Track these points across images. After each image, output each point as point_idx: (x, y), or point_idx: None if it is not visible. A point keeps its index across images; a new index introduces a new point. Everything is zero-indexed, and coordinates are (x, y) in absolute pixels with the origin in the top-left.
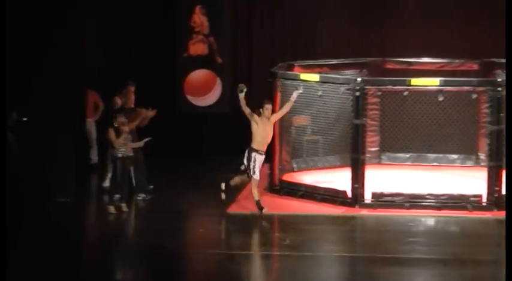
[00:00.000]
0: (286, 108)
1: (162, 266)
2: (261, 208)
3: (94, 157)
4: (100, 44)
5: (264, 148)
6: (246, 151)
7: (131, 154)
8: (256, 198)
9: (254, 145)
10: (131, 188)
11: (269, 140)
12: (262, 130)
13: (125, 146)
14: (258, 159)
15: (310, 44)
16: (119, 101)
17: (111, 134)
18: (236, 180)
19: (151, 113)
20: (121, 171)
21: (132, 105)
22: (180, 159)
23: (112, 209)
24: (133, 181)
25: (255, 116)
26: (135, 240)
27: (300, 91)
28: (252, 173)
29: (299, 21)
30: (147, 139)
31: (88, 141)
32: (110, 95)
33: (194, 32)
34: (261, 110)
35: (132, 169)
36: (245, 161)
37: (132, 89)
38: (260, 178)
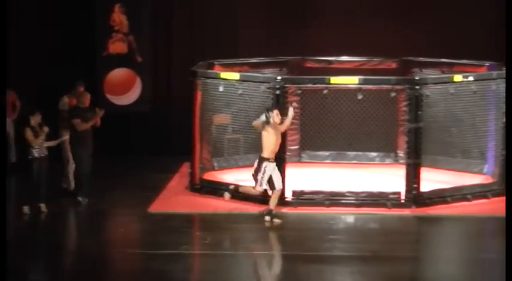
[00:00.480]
0: (288, 122)
1: (79, 266)
2: (272, 217)
3: (12, 156)
4: (18, 44)
5: (274, 156)
6: (256, 162)
7: (47, 153)
8: (272, 207)
9: (265, 154)
10: (47, 188)
11: (278, 148)
12: (276, 138)
13: (41, 146)
14: (269, 167)
15: (231, 43)
16: (66, 100)
17: (28, 133)
18: (244, 188)
19: (101, 112)
20: (37, 171)
21: (87, 105)
22: (103, 158)
23: (26, 209)
24: (72, 182)
25: (266, 125)
26: (51, 240)
27: (295, 105)
28: (259, 184)
29: (219, 20)
30: (64, 138)
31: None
32: (26, 94)
33: (113, 30)
34: (265, 116)
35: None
36: (254, 172)
37: (82, 89)
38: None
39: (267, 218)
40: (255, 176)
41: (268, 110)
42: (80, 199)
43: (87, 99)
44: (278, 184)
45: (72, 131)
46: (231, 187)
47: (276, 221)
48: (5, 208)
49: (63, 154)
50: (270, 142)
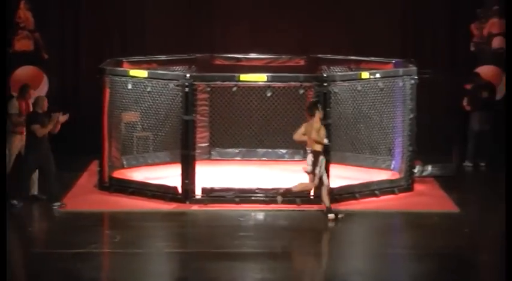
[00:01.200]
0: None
1: None
2: (336, 213)
3: None
4: None
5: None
6: (311, 155)
7: None
8: (328, 204)
9: (318, 148)
10: None
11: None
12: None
13: None
14: (324, 161)
15: (139, 41)
16: (16, 104)
17: None
18: (299, 186)
19: (63, 118)
20: None
21: (45, 110)
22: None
23: None
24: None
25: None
26: None
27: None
28: (317, 178)
29: (127, 17)
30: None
31: None
32: None
33: (19, 27)
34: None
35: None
36: (310, 167)
37: (32, 92)
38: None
39: (331, 216)
40: (311, 171)
41: (314, 105)
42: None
43: (45, 103)
44: (326, 179)
45: (30, 137)
46: (281, 190)
47: (340, 215)
48: (5, 208)
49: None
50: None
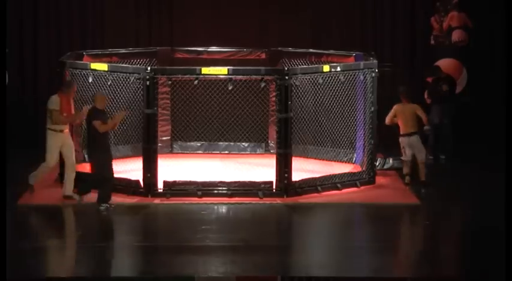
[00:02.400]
0: None
1: None
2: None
3: None
4: None
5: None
6: (415, 137)
7: None
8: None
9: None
10: None
11: None
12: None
13: None
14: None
15: (98, 34)
16: (58, 99)
17: None
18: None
19: (121, 114)
20: None
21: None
22: None
23: None
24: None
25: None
26: None
27: None
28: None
29: (86, 10)
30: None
31: None
32: None
33: None
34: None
35: None
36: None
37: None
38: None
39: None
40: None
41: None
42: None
43: (105, 101)
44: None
45: (92, 133)
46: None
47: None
48: (5, 204)
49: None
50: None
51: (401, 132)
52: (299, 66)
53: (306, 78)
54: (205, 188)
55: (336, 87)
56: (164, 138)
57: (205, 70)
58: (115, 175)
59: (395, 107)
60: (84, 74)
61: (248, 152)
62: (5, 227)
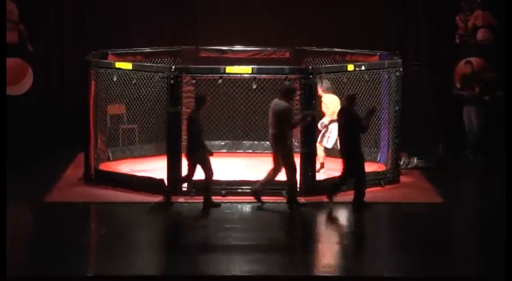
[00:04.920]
0: None
1: None
2: None
3: None
4: None
5: None
6: None
7: None
8: None
9: None
10: None
11: None
12: None
13: None
14: None
15: (123, 33)
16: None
17: None
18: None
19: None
20: None
21: None
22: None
23: None
24: None
25: None
26: None
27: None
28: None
29: (111, 9)
30: None
31: None
32: None
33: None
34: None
35: None
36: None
37: None
38: None
39: None
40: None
41: None
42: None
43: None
44: None
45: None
46: None
47: None
48: (5, 207)
49: None
50: None
51: None
52: (323, 65)
53: (330, 77)
54: (229, 187)
55: (360, 86)
56: None
57: (229, 69)
58: (139, 174)
59: None
60: (108, 73)
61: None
62: (5, 227)
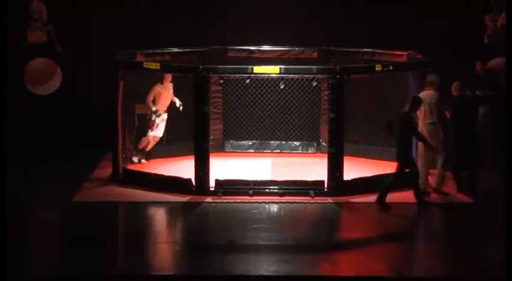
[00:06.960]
0: None
1: None
2: None
3: None
4: None
5: None
6: None
7: None
8: None
9: None
10: None
11: None
12: None
13: None
14: None
15: (151, 32)
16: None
17: None
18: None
19: None
20: None
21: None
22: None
23: None
24: None
25: None
26: None
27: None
28: None
29: (139, 10)
30: None
31: None
32: None
33: (33, 19)
34: None
35: None
36: None
37: None
38: None
39: None
40: None
41: None
42: None
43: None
44: None
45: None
46: None
47: None
48: (5, 206)
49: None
50: None
51: None
52: (351, 65)
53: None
54: (257, 187)
55: (388, 86)
56: (216, 137)
57: (257, 69)
58: (167, 174)
59: None
60: (137, 72)
61: (299, 151)
62: (5, 226)
